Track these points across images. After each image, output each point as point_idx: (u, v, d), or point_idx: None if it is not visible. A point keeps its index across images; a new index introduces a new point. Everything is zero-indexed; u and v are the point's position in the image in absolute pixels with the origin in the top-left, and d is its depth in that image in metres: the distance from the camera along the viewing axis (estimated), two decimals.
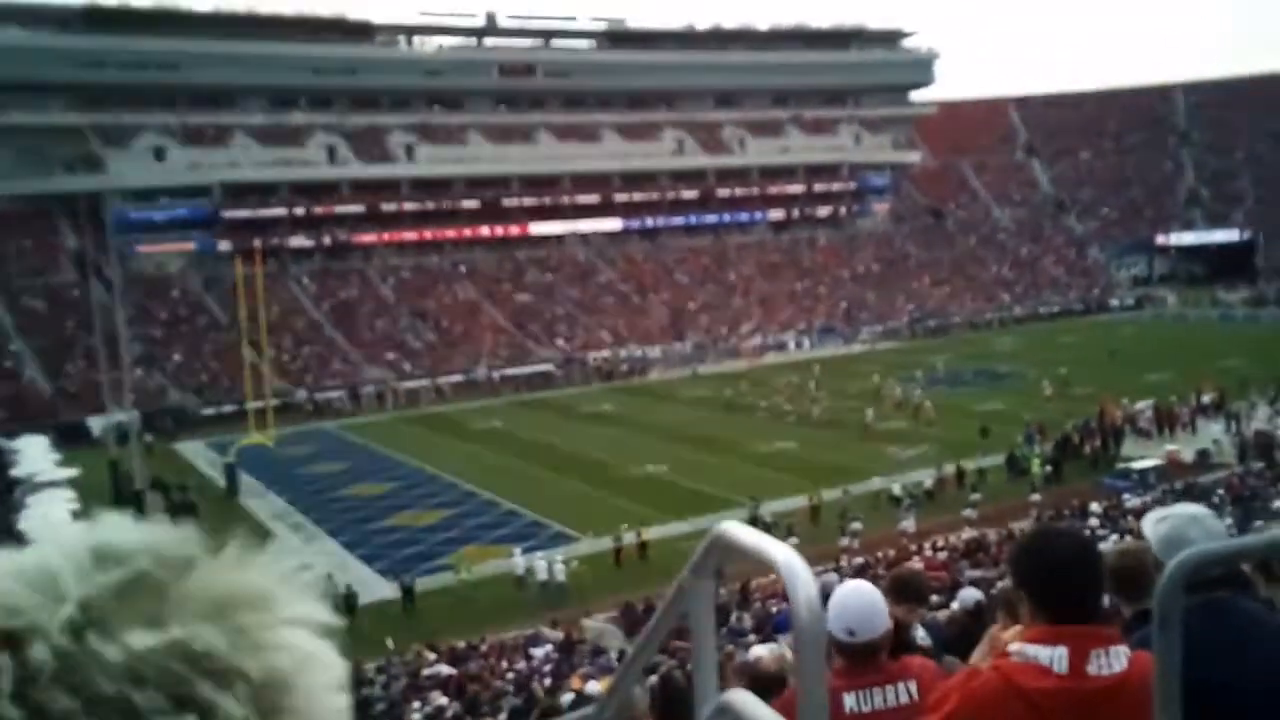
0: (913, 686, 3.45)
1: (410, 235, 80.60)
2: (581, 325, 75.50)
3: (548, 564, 30.21)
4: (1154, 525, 3.12)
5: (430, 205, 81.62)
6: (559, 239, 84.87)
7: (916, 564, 20.56)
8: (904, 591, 5.15)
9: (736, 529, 1.47)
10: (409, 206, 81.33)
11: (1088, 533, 22.96)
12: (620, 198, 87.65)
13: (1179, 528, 3.00)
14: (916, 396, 51.28)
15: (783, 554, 1.33)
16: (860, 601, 3.53)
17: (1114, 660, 2.52)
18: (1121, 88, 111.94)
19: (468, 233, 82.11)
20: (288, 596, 0.69)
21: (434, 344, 70.79)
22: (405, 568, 31.11)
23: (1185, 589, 1.95)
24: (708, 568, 1.62)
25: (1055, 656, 2.51)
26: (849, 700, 3.39)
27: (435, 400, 62.49)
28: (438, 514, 38.56)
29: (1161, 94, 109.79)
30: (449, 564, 32.08)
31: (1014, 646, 2.65)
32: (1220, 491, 29.06)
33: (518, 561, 30.94)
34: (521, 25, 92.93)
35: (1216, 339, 66.21)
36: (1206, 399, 44.09)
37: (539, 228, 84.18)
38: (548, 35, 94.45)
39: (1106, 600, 4.28)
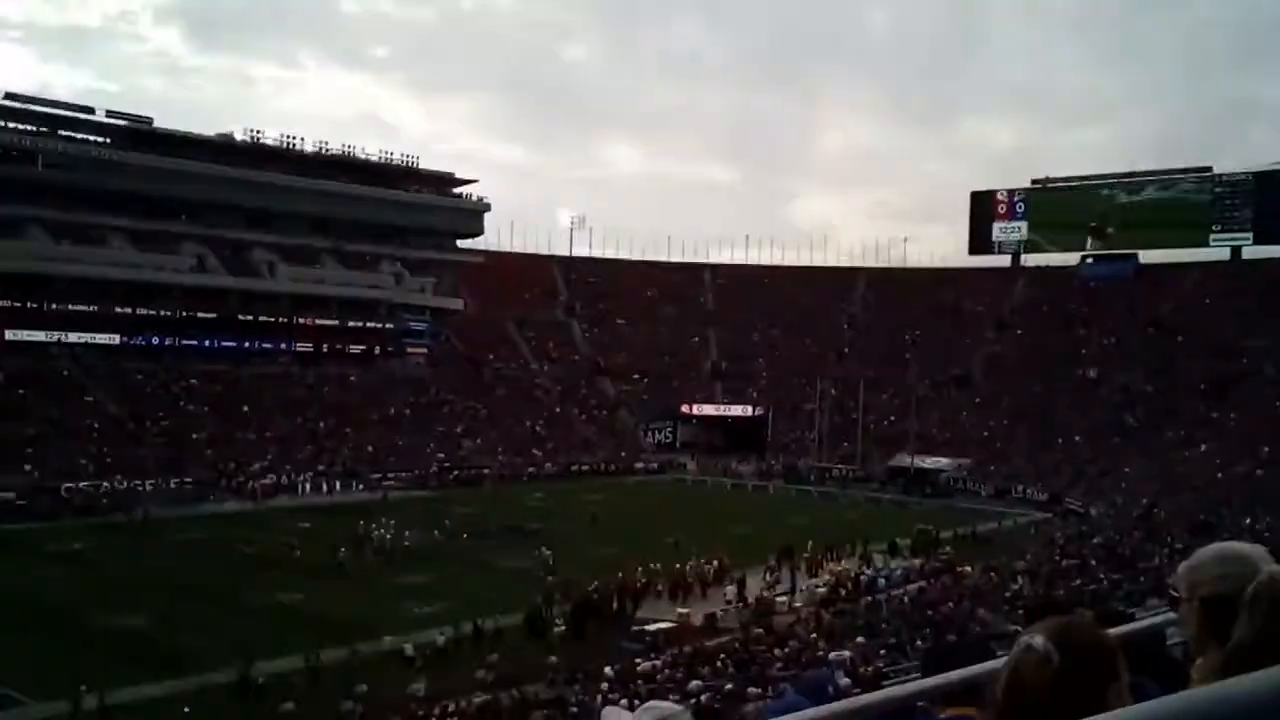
0: None
1: None
2: (57, 450, 63.87)
3: None
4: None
5: None
6: (41, 347, 73.46)
7: None
8: None
9: None
10: None
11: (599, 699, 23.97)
12: (122, 310, 77.47)
13: None
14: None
15: None
16: None
17: None
18: (660, 261, 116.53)
19: None
20: None
21: None
22: None
23: None
24: None
25: None
26: None
27: None
28: None
29: (692, 272, 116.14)
30: None
31: None
32: (723, 656, 29.43)
33: None
34: (25, 108, 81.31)
35: (730, 505, 68.80)
36: (714, 564, 44.92)
37: (17, 334, 72.66)
38: (56, 123, 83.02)
39: None
